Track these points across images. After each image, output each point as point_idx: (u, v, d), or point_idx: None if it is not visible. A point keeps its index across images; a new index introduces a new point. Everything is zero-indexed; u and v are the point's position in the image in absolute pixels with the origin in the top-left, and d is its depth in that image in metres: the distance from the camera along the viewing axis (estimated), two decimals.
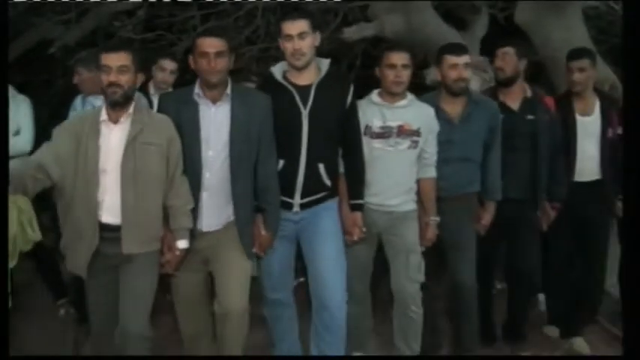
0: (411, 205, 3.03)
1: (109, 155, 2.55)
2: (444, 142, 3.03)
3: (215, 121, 2.68)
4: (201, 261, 2.80)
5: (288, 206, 2.83)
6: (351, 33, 4.21)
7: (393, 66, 2.92)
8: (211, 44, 2.61)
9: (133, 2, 4.66)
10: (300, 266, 3.08)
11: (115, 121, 2.57)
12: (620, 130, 3.22)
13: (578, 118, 3.30)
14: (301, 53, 2.71)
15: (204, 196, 2.70)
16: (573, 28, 3.86)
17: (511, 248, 3.35)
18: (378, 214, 2.99)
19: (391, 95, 2.96)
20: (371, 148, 2.93)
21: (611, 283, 3.54)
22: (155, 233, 2.65)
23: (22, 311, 3.60)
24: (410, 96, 3.02)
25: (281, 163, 2.79)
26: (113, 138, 2.57)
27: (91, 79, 3.35)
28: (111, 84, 2.51)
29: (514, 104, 3.23)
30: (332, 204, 2.90)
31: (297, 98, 2.76)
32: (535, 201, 3.26)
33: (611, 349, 3.38)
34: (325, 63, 2.83)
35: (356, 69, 4.92)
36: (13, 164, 2.91)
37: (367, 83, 3.12)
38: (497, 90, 3.29)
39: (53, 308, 3.82)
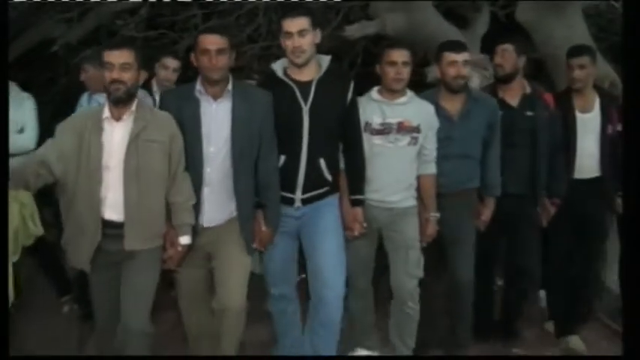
0: (411, 202, 3.04)
1: (111, 152, 2.56)
2: (443, 138, 3.04)
3: (216, 117, 2.70)
4: (203, 257, 2.82)
5: (290, 202, 2.85)
6: (353, 31, 4.21)
7: (393, 63, 2.93)
8: (212, 41, 2.63)
9: (135, 2, 4.68)
10: (303, 262, 3.08)
11: (118, 119, 2.58)
12: (619, 127, 3.23)
13: (578, 115, 3.31)
14: (301, 50, 2.72)
15: (206, 191, 2.72)
16: (574, 26, 3.86)
17: (510, 244, 3.36)
18: (379, 211, 3.00)
19: (391, 92, 2.98)
20: (371, 144, 2.95)
21: (612, 279, 3.56)
22: (158, 230, 2.66)
23: (25, 308, 3.60)
24: (409, 93, 3.03)
25: (282, 158, 2.80)
26: (116, 135, 2.58)
27: (97, 76, 3.34)
28: (113, 81, 2.52)
29: (513, 101, 3.24)
30: (333, 200, 2.92)
31: (298, 94, 2.77)
32: (535, 197, 3.27)
33: (611, 344, 3.39)
34: (326, 60, 2.84)
35: (357, 66, 4.92)
36: (17, 161, 2.94)
37: (368, 80, 3.13)
38: (496, 86, 3.30)
39: (57, 305, 3.81)
